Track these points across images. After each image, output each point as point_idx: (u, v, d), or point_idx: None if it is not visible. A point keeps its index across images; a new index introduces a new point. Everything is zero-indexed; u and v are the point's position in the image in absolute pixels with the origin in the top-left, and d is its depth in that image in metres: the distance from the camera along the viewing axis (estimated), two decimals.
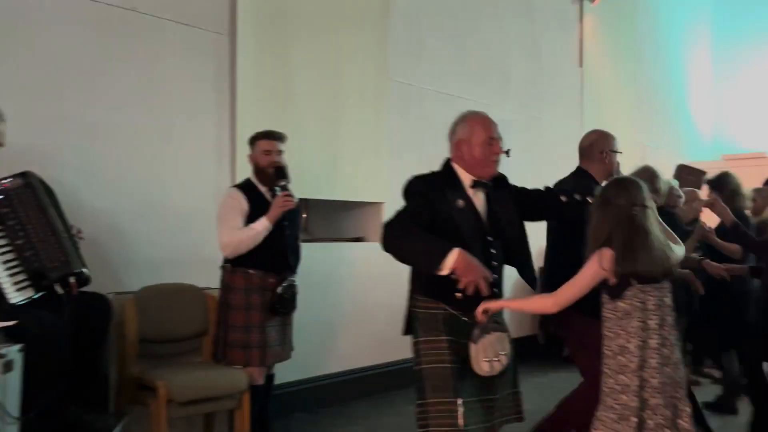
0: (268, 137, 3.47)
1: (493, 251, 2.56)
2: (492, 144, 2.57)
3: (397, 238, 2.43)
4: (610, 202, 2.39)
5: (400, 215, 2.50)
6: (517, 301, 2.82)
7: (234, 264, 3.36)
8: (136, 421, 3.18)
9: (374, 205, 5.21)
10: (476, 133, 2.57)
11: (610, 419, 2.34)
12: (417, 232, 2.40)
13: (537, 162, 6.58)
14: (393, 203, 5.15)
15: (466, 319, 2.46)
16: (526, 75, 6.67)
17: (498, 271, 2.57)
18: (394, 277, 5.24)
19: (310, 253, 4.42)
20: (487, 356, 2.42)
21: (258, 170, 3.46)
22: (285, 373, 4.13)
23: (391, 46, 5.23)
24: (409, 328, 2.61)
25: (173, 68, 3.95)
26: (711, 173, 5.19)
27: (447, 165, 2.64)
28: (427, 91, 5.57)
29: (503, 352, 2.47)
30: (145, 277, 3.58)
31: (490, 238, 2.56)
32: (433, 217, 2.46)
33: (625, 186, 2.42)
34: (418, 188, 2.53)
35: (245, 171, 3.60)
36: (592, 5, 7.50)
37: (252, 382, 3.35)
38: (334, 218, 5.38)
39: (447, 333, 2.48)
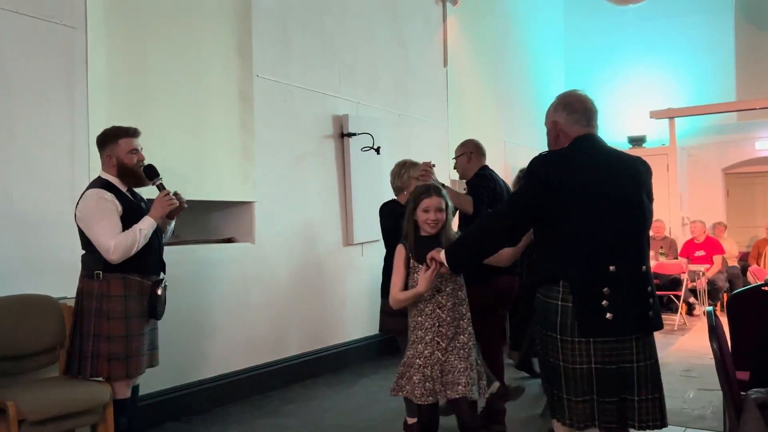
0: (131, 135, 3.27)
1: None
2: None
3: None
4: None
5: None
6: None
7: (108, 270, 3.13)
8: None
9: (245, 205, 5.11)
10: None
11: None
12: None
13: (406, 157, 6.75)
14: (264, 202, 5.17)
15: None
16: (394, 73, 6.83)
17: None
18: (268, 278, 5.23)
19: (179, 256, 4.27)
20: None
21: (124, 170, 3.23)
22: (154, 381, 3.96)
23: (257, 42, 5.15)
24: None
25: (20, 63, 3.64)
26: None
27: None
28: (296, 88, 5.54)
29: None
30: None
31: None
32: None
33: None
34: None
35: (99, 170, 3.36)
36: (454, 7, 7.80)
37: (120, 395, 3.18)
38: (202, 219, 5.22)
39: None
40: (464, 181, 4.34)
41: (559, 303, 2.38)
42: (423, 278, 2.80)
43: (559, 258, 2.40)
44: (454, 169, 4.35)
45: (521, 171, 4.88)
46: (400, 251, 2.98)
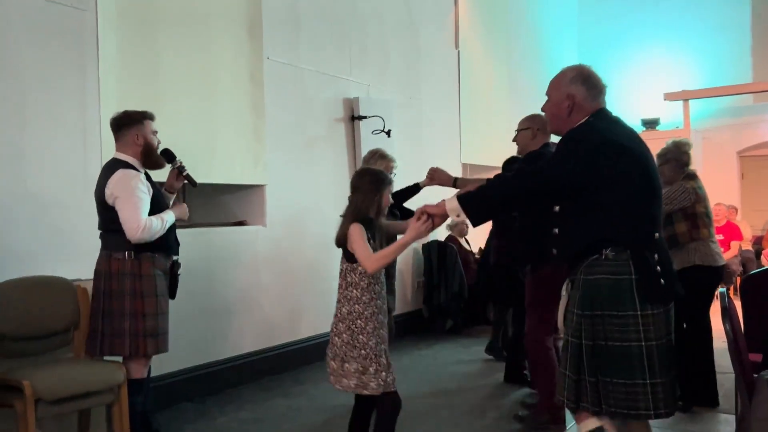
0: (152, 118, 3.33)
1: None
2: None
3: None
4: None
5: None
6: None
7: (138, 251, 3.19)
8: (2, 424, 2.97)
9: (256, 188, 5.12)
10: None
11: None
12: None
13: (417, 140, 6.74)
14: (275, 185, 5.18)
15: None
16: (405, 56, 6.78)
17: None
18: (279, 260, 5.25)
19: (191, 239, 4.28)
20: None
21: (149, 151, 3.28)
22: (167, 362, 4.00)
23: (267, 25, 5.12)
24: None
25: (30, 46, 3.65)
26: None
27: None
28: (307, 71, 5.52)
29: None
30: (5, 271, 3.31)
31: None
32: None
33: None
34: None
35: (111, 153, 3.37)
36: None
37: (137, 375, 3.24)
38: (213, 202, 5.24)
39: None
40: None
41: (633, 276, 2.29)
42: (413, 228, 2.59)
43: (619, 226, 2.32)
44: (513, 141, 3.95)
45: None
46: (360, 228, 2.80)
